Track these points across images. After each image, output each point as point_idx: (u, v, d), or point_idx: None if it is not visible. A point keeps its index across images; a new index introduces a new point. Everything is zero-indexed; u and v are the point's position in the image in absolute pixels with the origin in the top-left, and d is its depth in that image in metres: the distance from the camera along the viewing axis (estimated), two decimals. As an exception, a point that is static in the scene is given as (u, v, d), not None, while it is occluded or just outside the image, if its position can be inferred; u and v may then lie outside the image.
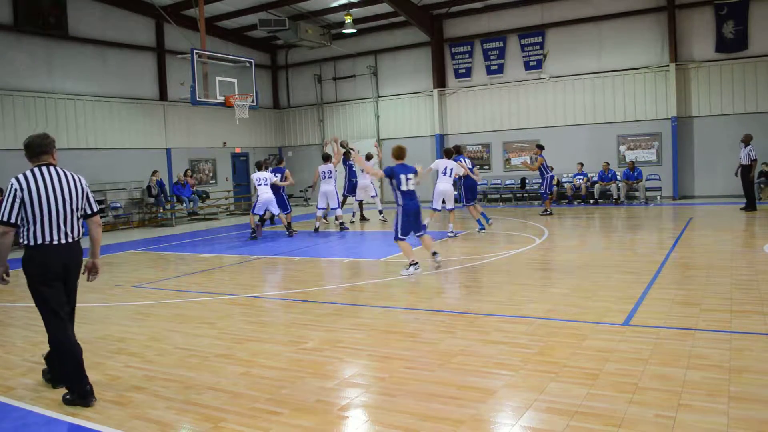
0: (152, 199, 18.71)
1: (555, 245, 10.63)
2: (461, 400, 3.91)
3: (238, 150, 23.31)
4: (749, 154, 14.38)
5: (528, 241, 11.05)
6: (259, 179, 13.62)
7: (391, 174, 8.38)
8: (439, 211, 12.08)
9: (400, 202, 8.40)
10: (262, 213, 13.70)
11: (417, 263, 8.32)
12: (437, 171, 12.00)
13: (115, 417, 3.91)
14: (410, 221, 8.43)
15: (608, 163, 18.83)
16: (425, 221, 9.65)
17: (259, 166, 14.14)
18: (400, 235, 8.42)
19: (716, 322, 5.34)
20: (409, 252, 8.42)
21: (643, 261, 8.74)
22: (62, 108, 17.38)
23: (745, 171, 14.48)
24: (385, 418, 3.70)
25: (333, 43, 22.27)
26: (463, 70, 21.76)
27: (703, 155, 18.42)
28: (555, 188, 19.42)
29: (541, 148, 16.00)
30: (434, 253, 8.58)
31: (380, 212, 16.17)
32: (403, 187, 8.34)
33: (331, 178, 14.41)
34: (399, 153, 8.65)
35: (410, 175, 8.40)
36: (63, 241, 4.24)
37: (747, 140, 14.55)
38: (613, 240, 11.60)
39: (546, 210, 16.01)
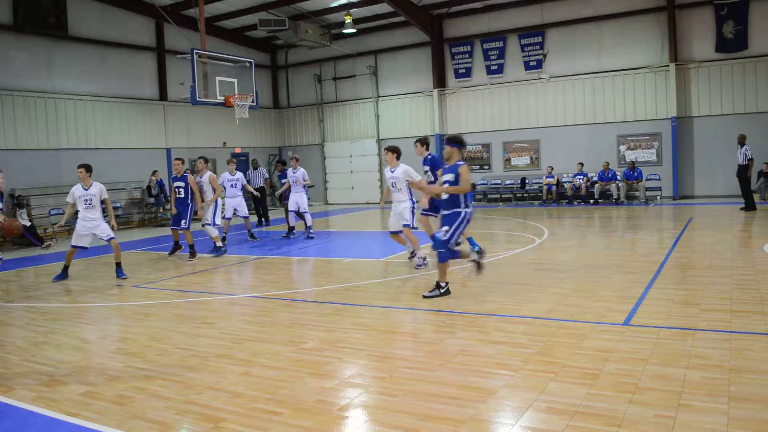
0: (152, 199, 18.72)
1: (555, 245, 10.63)
2: (461, 400, 3.91)
3: (238, 150, 23.31)
4: (745, 154, 14.40)
5: (528, 241, 11.05)
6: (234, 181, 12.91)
7: None
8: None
9: None
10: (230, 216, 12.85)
11: None
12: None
13: (115, 417, 3.91)
14: None
15: (608, 163, 18.84)
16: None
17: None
18: None
19: (716, 322, 5.34)
20: None
21: (643, 261, 8.73)
22: (62, 108, 17.39)
23: (742, 171, 14.49)
24: (385, 418, 3.70)
25: (333, 43, 22.27)
26: (463, 70, 21.77)
27: (703, 155, 18.43)
28: (554, 188, 19.46)
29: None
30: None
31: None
32: None
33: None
34: None
35: None
36: None
37: (742, 141, 14.58)
38: (613, 240, 11.60)
39: None
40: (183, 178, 11.10)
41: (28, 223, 14.74)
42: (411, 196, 8.88)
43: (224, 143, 22.79)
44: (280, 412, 3.88)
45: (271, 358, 5.01)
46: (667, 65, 18.39)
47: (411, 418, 3.66)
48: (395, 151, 8.85)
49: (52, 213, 16.27)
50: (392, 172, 8.85)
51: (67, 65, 17.54)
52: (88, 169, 9.28)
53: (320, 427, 3.63)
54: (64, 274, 9.40)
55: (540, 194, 19.77)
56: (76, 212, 9.30)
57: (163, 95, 20.42)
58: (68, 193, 9.44)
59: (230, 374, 4.65)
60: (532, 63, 20.51)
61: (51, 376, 4.81)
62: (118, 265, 9.42)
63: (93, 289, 8.62)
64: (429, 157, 9.30)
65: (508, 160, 21.37)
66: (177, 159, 11.41)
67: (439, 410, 3.77)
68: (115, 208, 18.00)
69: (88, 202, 9.19)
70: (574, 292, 6.85)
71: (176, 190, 11.19)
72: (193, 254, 11.06)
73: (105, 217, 9.49)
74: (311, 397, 4.10)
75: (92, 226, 9.27)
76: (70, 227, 16.59)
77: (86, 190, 9.19)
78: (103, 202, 9.39)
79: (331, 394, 4.17)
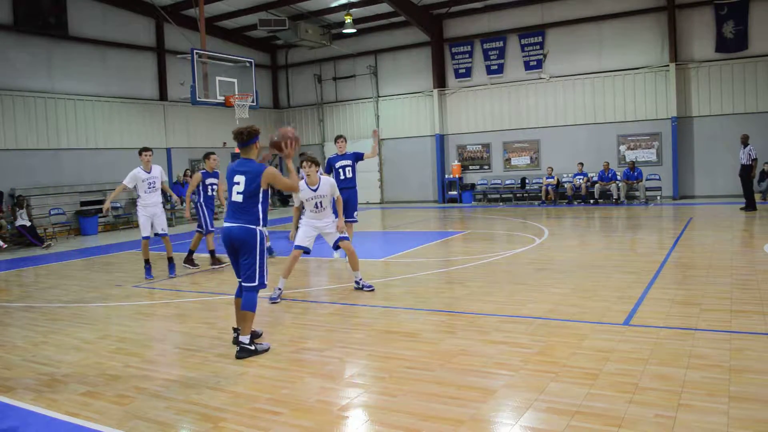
0: (152, 199, 18.70)
1: (555, 245, 10.63)
2: (461, 400, 3.91)
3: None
4: (749, 154, 14.40)
5: (528, 241, 11.05)
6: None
7: None
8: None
9: None
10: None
11: None
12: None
13: (115, 417, 3.91)
14: None
15: (608, 163, 18.84)
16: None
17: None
18: None
19: (716, 322, 5.34)
20: None
21: (643, 261, 8.73)
22: (62, 108, 17.38)
23: (745, 171, 14.49)
24: (385, 418, 3.70)
25: (333, 43, 22.28)
26: (463, 70, 21.77)
27: (703, 155, 18.43)
28: (553, 188, 19.45)
29: None
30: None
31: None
32: None
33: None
34: None
35: None
36: None
37: (745, 140, 14.58)
38: (613, 240, 11.60)
39: None
40: (216, 174, 9.86)
41: (28, 224, 14.75)
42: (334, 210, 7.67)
43: (224, 143, 22.76)
44: (280, 412, 3.88)
45: (271, 358, 5.01)
46: (667, 65, 18.39)
47: (411, 418, 3.66)
48: (319, 164, 7.34)
49: (52, 213, 16.27)
50: (314, 190, 7.23)
51: (67, 65, 17.54)
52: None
53: (320, 427, 3.63)
54: (149, 269, 9.14)
55: (540, 194, 19.78)
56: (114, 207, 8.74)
57: (163, 95, 20.42)
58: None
59: (230, 374, 4.65)
60: (532, 63, 20.51)
61: (51, 376, 4.81)
62: (170, 260, 9.22)
63: (93, 289, 8.62)
64: (350, 152, 10.05)
65: (508, 160, 21.37)
66: (212, 153, 9.90)
67: (439, 410, 3.77)
68: (116, 208, 18.05)
69: (152, 185, 8.97)
70: (574, 292, 6.85)
71: (209, 187, 9.82)
72: (214, 260, 10.04)
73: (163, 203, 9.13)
74: (311, 397, 4.10)
75: (154, 213, 8.99)
76: (70, 227, 16.76)
77: (148, 173, 8.94)
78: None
79: (331, 394, 4.17)
